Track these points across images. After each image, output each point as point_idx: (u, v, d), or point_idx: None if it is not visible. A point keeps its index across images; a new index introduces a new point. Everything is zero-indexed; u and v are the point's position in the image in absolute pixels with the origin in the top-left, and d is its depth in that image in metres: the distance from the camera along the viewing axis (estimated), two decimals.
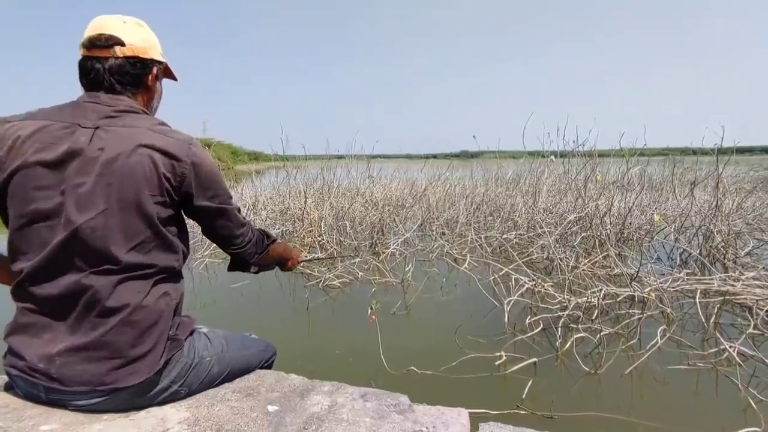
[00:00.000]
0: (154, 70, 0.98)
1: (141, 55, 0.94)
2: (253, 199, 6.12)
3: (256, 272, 1.23)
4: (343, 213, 5.33)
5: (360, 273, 3.60)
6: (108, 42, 0.89)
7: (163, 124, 0.94)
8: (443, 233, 5.01)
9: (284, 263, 1.32)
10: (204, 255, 4.35)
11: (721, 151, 3.93)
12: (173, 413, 0.87)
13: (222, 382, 1.04)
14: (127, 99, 0.93)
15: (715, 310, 2.50)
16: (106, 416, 0.83)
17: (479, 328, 2.58)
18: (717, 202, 3.80)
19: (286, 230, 5.24)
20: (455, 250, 4.33)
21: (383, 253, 4.21)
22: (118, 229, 0.83)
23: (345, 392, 0.96)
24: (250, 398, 0.95)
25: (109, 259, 0.83)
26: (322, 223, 4.85)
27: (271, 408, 0.88)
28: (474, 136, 5.78)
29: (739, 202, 5.04)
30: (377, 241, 4.75)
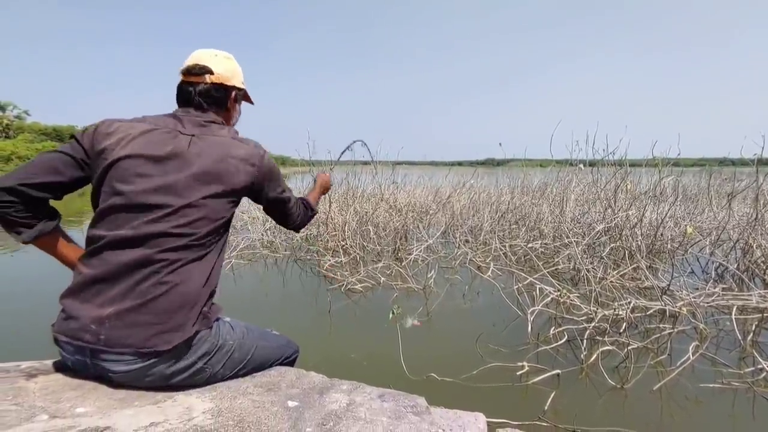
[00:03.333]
0: (233, 94, 1.20)
1: (224, 83, 1.16)
2: None
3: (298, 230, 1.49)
4: (367, 218, 5.37)
5: (382, 278, 3.61)
6: (201, 71, 1.12)
7: (236, 133, 1.16)
8: (467, 241, 4.97)
9: (325, 192, 1.73)
10: (231, 256, 4.46)
11: (762, 162, 3.74)
12: (198, 403, 0.92)
13: (242, 371, 1.13)
14: (212, 115, 1.14)
15: (753, 328, 2.38)
16: (136, 402, 0.88)
17: (501, 337, 2.54)
18: (757, 214, 3.63)
19: (310, 234, 5.32)
20: (479, 257, 4.29)
21: (406, 258, 4.21)
22: (197, 219, 1.00)
23: (363, 392, 0.98)
24: (271, 393, 0.98)
25: (182, 241, 0.98)
26: (346, 228, 4.89)
27: (291, 403, 0.91)
28: (500, 144, 5.71)
29: None
30: (400, 247, 4.75)
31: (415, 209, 6.02)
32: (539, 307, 2.64)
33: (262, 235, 5.30)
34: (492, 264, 3.88)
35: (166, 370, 0.97)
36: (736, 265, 3.50)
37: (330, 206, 5.34)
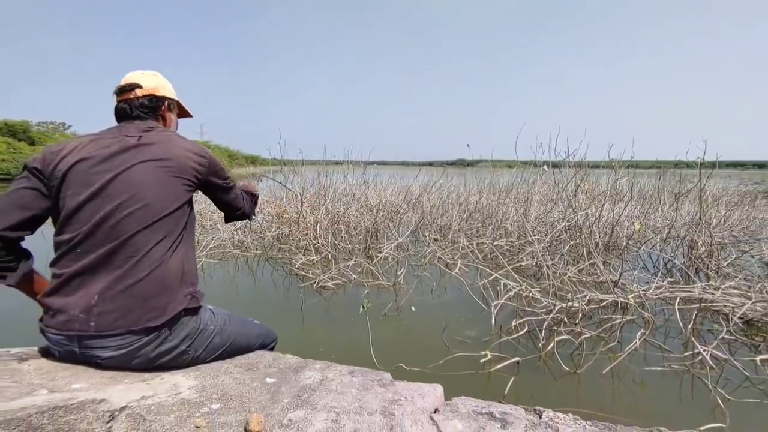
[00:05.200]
0: (166, 103, 1.31)
1: (154, 93, 1.27)
2: None
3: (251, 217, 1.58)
4: (339, 217, 5.42)
5: (353, 275, 3.68)
6: (131, 87, 1.23)
7: (180, 136, 1.26)
8: (436, 239, 5.11)
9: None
10: (200, 255, 4.42)
11: (709, 165, 4.05)
12: (183, 380, 1.00)
13: (224, 354, 1.20)
14: (153, 121, 1.24)
15: (693, 317, 2.60)
16: (126, 379, 0.95)
17: (467, 329, 2.67)
18: (700, 213, 3.93)
19: (282, 233, 5.33)
20: (447, 255, 4.43)
21: (377, 256, 4.30)
22: (157, 201, 1.06)
23: (335, 369, 1.07)
24: (250, 372, 1.07)
25: (150, 224, 1.04)
26: (318, 227, 4.93)
27: (269, 380, 1.00)
28: (468, 145, 5.89)
29: (727, 214, 5.18)
30: (371, 245, 4.84)
31: (386, 208, 6.12)
32: (502, 301, 2.79)
33: (233, 234, 5.27)
34: (460, 261, 4.02)
35: (152, 352, 1.03)
36: (683, 261, 3.78)
37: (302, 206, 5.37)
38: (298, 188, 6.06)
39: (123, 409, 0.81)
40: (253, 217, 1.63)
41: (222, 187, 1.32)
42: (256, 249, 4.88)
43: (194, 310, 1.13)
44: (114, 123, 1.26)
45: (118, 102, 1.24)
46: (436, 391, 0.95)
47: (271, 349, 1.39)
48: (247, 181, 1.79)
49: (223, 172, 1.30)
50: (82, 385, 0.90)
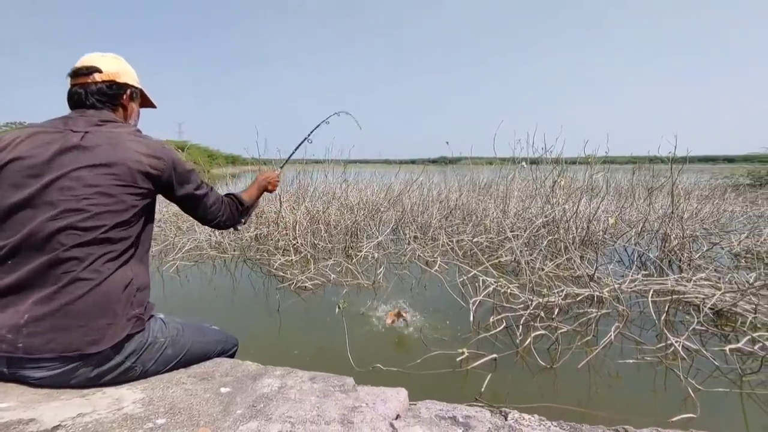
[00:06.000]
0: (128, 91, 1.19)
1: (116, 79, 1.15)
2: None
3: (245, 221, 1.49)
4: (318, 217, 5.35)
5: (332, 275, 3.64)
6: (89, 71, 1.11)
7: (138, 131, 1.15)
8: (416, 237, 5.09)
9: (268, 191, 1.67)
10: (176, 258, 4.30)
11: (680, 160, 4.14)
12: (129, 394, 0.92)
13: (178, 366, 1.11)
14: (108, 114, 1.12)
15: (666, 308, 2.64)
16: (63, 396, 0.87)
17: (446, 327, 2.65)
18: (673, 207, 4.01)
19: (260, 233, 5.23)
20: (427, 253, 4.41)
21: (356, 256, 4.26)
22: (100, 211, 0.96)
23: (296, 375, 1.02)
24: (204, 381, 1.00)
25: (89, 236, 0.94)
26: (297, 227, 4.86)
27: (223, 390, 0.94)
28: (447, 142, 5.90)
29: (698, 207, 5.31)
30: (351, 245, 4.79)
31: (367, 207, 6.07)
32: (480, 298, 2.78)
33: (210, 235, 5.15)
34: (439, 259, 4.01)
35: (91, 372, 0.94)
36: (656, 254, 3.85)
37: (281, 205, 5.28)
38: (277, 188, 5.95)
39: (55, 428, 0.74)
40: (240, 227, 1.50)
41: (189, 194, 1.19)
42: (234, 250, 4.78)
43: (146, 324, 1.04)
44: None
45: (72, 85, 1.11)
46: (399, 395, 0.92)
47: (232, 356, 1.30)
48: (261, 172, 1.62)
49: (190, 176, 1.17)
50: (10, 404, 0.83)
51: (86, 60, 1.13)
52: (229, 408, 0.86)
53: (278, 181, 1.72)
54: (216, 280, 3.89)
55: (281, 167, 2.00)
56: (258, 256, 4.52)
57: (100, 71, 1.12)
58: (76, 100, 1.11)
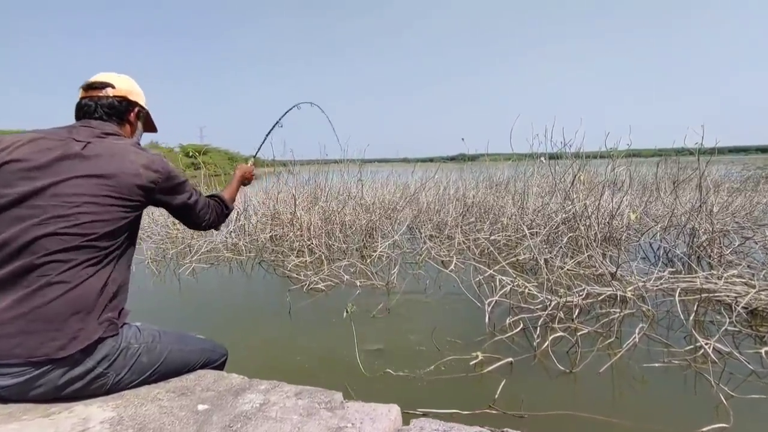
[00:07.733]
0: (136, 109, 1.26)
1: (127, 96, 1.22)
2: (245, 203, 6.11)
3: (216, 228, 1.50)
4: (334, 217, 5.33)
5: (346, 276, 3.60)
6: (103, 85, 1.17)
7: (138, 144, 1.19)
8: (432, 236, 5.01)
9: (245, 184, 1.80)
10: (192, 260, 4.35)
11: (709, 151, 3.93)
12: (98, 413, 0.88)
13: (154, 376, 1.08)
14: (113, 127, 1.15)
15: (695, 308, 2.50)
16: (25, 416, 0.83)
17: (460, 329, 2.57)
18: (701, 201, 3.81)
19: (275, 234, 5.25)
20: (443, 252, 4.33)
21: (370, 256, 4.21)
22: (91, 220, 0.97)
23: (281, 390, 0.97)
24: (183, 397, 0.96)
25: (73, 242, 0.94)
26: (312, 228, 4.85)
27: (201, 407, 0.90)
28: (463, 139, 5.79)
29: (728, 200, 5.05)
30: (366, 244, 4.75)
31: (383, 206, 6.02)
32: (496, 298, 2.69)
33: (226, 237, 5.19)
34: (455, 258, 3.92)
35: (59, 379, 0.92)
36: (684, 249, 3.67)
37: (296, 206, 5.28)
38: (293, 188, 5.96)
39: None
40: (221, 227, 1.55)
41: (183, 204, 1.23)
42: (250, 252, 4.81)
43: (119, 330, 1.03)
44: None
45: (83, 97, 1.16)
46: (390, 413, 0.85)
47: (219, 367, 1.26)
48: (244, 164, 1.72)
49: (183, 187, 1.22)
50: None
51: (102, 76, 1.20)
52: (203, 428, 0.81)
53: (253, 174, 1.83)
54: (231, 281, 3.91)
55: (254, 157, 2.11)
56: (273, 258, 4.53)
57: (113, 87, 1.18)
58: (84, 112, 1.15)
